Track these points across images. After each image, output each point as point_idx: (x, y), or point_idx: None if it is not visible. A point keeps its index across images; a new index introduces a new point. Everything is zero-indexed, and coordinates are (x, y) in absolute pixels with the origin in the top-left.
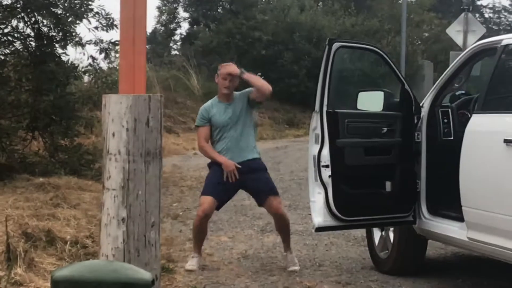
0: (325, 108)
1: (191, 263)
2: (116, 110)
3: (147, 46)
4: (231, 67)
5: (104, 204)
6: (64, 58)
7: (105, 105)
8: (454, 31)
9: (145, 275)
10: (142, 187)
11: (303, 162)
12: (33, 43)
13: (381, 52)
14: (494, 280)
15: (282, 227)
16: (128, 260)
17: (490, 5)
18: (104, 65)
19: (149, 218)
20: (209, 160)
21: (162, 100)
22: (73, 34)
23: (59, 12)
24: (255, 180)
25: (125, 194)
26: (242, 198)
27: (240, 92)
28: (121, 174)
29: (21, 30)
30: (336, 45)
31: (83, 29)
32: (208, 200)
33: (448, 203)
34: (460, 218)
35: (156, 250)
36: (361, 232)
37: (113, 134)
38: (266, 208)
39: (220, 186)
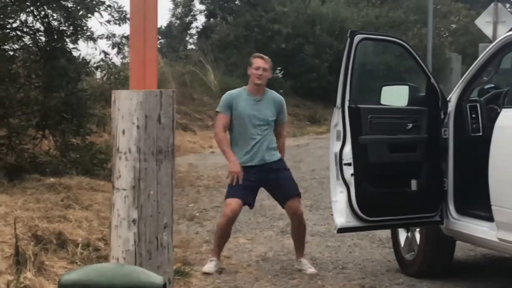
0: (347, 104)
1: (209, 266)
2: (126, 106)
3: (162, 40)
4: None
5: (114, 204)
6: (75, 53)
7: (114, 101)
8: (484, 22)
9: (156, 279)
10: (154, 186)
11: (325, 161)
12: (42, 38)
13: (405, 45)
14: None
15: (298, 231)
16: (140, 263)
17: None
18: (117, 60)
19: (161, 219)
20: (223, 161)
21: (174, 96)
22: (84, 28)
23: (70, 5)
24: (277, 179)
25: (136, 194)
26: (262, 198)
27: (277, 97)
28: (131, 173)
29: (31, 25)
30: (358, 37)
31: (95, 23)
32: (235, 201)
33: (477, 202)
34: (489, 218)
35: (169, 252)
36: (386, 233)
37: (123, 132)
38: (286, 208)
39: (244, 189)
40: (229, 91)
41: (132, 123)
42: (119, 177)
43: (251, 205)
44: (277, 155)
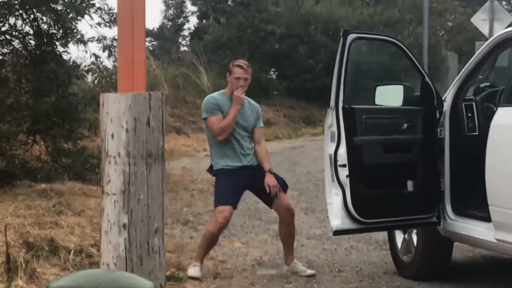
0: (341, 104)
1: (194, 271)
2: (114, 109)
3: (154, 43)
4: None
5: (104, 210)
6: (65, 56)
7: (103, 104)
8: (480, 20)
9: (146, 284)
10: (144, 191)
11: (320, 162)
12: (32, 42)
13: (399, 43)
14: None
15: (288, 233)
16: (131, 269)
17: None
18: (108, 63)
19: (152, 223)
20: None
21: (164, 98)
22: (75, 31)
23: (59, 8)
24: (261, 178)
25: (126, 199)
26: (256, 201)
27: (255, 107)
28: (121, 177)
29: (20, 28)
30: (351, 36)
31: (85, 25)
32: (227, 208)
33: (474, 202)
34: (487, 218)
35: (160, 257)
36: (383, 235)
37: (112, 135)
38: (275, 207)
39: (235, 195)
40: (209, 95)
41: (121, 127)
42: (109, 182)
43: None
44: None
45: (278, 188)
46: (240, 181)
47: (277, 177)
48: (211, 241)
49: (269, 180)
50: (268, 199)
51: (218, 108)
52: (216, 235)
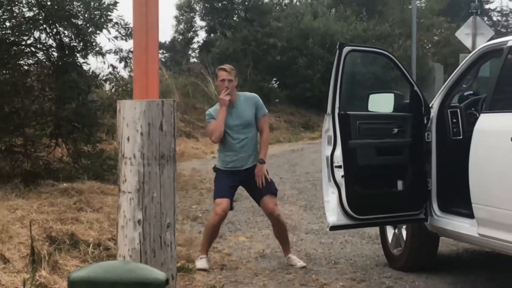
0: (337, 111)
1: (201, 263)
2: (130, 115)
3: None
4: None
5: (120, 206)
6: (85, 67)
7: (119, 110)
8: (463, 34)
9: (159, 275)
10: (157, 189)
11: (318, 164)
12: (55, 54)
13: (390, 55)
14: (506, 274)
15: (279, 231)
16: (145, 260)
17: (498, 9)
18: (124, 73)
19: (165, 219)
20: (213, 164)
21: (175, 105)
22: (94, 44)
23: (80, 23)
24: (253, 179)
25: (140, 197)
26: None
27: (251, 98)
28: (136, 177)
29: (44, 41)
30: (346, 49)
31: (103, 39)
32: (225, 200)
33: (459, 200)
34: (470, 215)
35: (171, 250)
36: (375, 230)
37: (128, 139)
38: (262, 208)
39: (232, 189)
40: (209, 109)
41: (136, 131)
42: (125, 181)
43: (231, 207)
44: (257, 159)
45: (263, 185)
46: (235, 178)
47: (270, 182)
48: (212, 233)
49: (257, 169)
50: (256, 197)
51: (212, 117)
52: (216, 226)
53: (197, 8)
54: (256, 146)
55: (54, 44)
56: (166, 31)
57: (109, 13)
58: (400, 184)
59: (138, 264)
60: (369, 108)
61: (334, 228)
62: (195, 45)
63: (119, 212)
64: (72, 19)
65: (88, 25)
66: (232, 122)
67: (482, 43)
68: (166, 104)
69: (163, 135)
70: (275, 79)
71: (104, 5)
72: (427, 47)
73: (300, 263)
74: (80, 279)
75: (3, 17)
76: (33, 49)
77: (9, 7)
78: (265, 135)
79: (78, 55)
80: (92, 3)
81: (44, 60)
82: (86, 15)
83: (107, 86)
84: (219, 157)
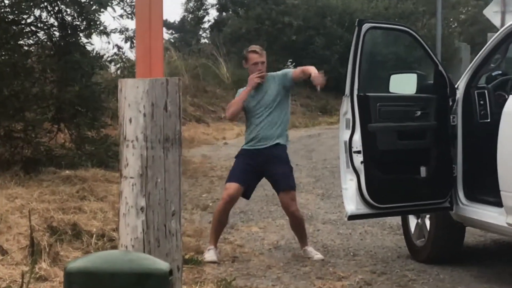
0: (355, 92)
1: (210, 255)
2: (132, 94)
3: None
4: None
5: (122, 193)
6: (89, 47)
7: (121, 89)
8: (492, 12)
9: (162, 265)
10: (161, 174)
11: (336, 150)
12: (56, 33)
13: (412, 32)
14: None
15: (295, 225)
16: (148, 250)
17: None
18: (130, 54)
19: (169, 206)
20: (236, 152)
21: (181, 83)
22: (98, 22)
23: (83, 0)
24: (272, 171)
25: (143, 182)
26: None
27: (276, 74)
28: (139, 161)
29: (45, 20)
30: (366, 26)
31: (108, 17)
32: (233, 185)
33: (486, 187)
34: (499, 203)
35: (177, 240)
36: (396, 220)
37: (130, 120)
38: (280, 201)
39: (244, 173)
40: (240, 89)
41: (138, 111)
42: (127, 165)
43: (248, 195)
44: (281, 140)
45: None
46: (252, 162)
47: (288, 176)
48: (219, 221)
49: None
50: (275, 189)
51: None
52: (221, 212)
53: None
54: (280, 127)
55: (56, 23)
56: (175, 10)
57: None
58: (423, 171)
59: (139, 254)
60: (390, 89)
61: (352, 217)
62: (205, 25)
63: (120, 198)
64: None
65: (91, 2)
66: (254, 101)
67: None
68: (171, 83)
69: (167, 116)
70: (290, 60)
71: None
72: (453, 25)
73: (317, 255)
74: (77, 270)
75: None
76: (33, 28)
77: None
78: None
79: (81, 34)
80: None
81: (45, 40)
82: None
83: (112, 68)
84: (244, 137)
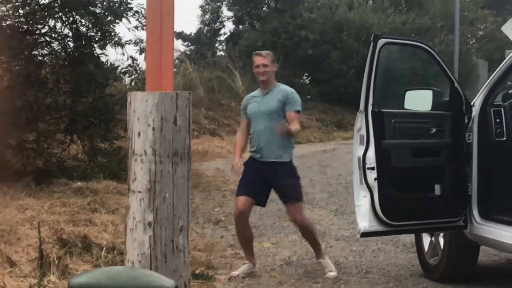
0: (370, 108)
1: (239, 270)
2: (141, 108)
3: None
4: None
5: (129, 207)
6: (103, 58)
7: (130, 102)
8: (510, 29)
9: (167, 282)
10: (170, 189)
11: (351, 165)
12: (71, 44)
13: (428, 48)
14: None
15: (305, 234)
16: (155, 266)
17: None
18: (144, 66)
19: (177, 222)
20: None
21: (191, 97)
22: (112, 34)
23: (98, 11)
24: (278, 184)
25: (151, 197)
26: None
27: (285, 90)
28: (147, 175)
29: (59, 30)
30: (381, 41)
31: (123, 28)
32: (241, 199)
33: (501, 206)
34: None
35: (184, 256)
36: (410, 238)
37: (139, 134)
38: (286, 212)
39: (250, 184)
40: (248, 94)
41: (147, 125)
42: (135, 180)
43: (262, 203)
44: (284, 157)
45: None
46: (256, 174)
47: (295, 187)
48: (238, 234)
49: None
50: (282, 201)
51: (244, 111)
52: (236, 226)
53: None
54: (279, 142)
55: (70, 34)
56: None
57: (129, 1)
58: (437, 188)
59: (144, 270)
60: (406, 106)
61: (365, 234)
62: (221, 37)
63: (128, 213)
64: (89, 7)
65: (106, 13)
66: (256, 109)
67: None
68: (180, 97)
69: (177, 130)
70: (306, 74)
71: None
72: (471, 42)
73: (330, 272)
74: (80, 285)
75: (16, 3)
76: (47, 38)
77: None
78: (295, 124)
79: (95, 45)
80: None
81: (60, 50)
82: (104, 3)
83: (126, 79)
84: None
